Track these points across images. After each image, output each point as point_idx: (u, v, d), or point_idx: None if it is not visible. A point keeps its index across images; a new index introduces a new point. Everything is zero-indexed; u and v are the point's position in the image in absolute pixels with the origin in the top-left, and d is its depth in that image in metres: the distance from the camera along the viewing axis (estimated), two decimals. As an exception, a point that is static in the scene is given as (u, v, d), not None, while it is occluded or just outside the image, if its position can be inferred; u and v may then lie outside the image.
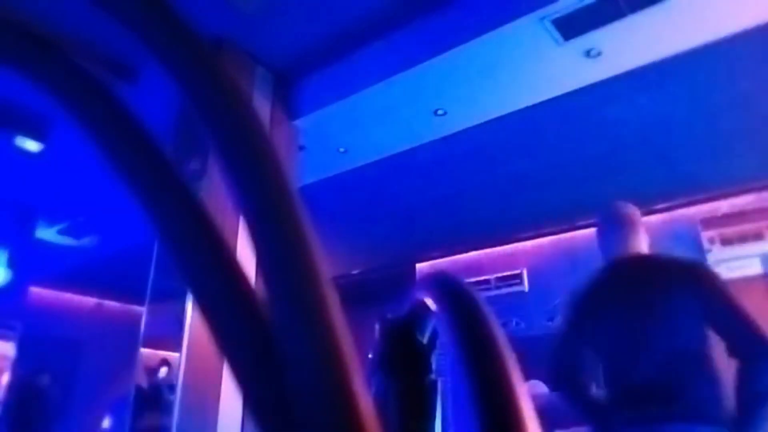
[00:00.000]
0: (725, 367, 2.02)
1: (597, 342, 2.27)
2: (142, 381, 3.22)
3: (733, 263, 4.88)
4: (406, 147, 4.11)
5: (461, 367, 0.29)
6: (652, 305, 2.11)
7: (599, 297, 2.33)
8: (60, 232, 6.02)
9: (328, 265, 0.23)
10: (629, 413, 2.05)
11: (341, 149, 4.15)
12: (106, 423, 6.99)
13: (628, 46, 3.06)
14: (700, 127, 4.08)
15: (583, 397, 2.24)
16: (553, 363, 2.35)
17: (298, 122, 3.75)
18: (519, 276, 6.08)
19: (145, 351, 3.20)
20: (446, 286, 0.37)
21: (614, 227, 2.41)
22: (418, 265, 6.76)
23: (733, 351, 1.94)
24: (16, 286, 5.69)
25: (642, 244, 2.33)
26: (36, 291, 7.55)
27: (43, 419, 6.80)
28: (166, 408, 2.83)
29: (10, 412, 6.35)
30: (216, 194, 2.76)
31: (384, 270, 6.86)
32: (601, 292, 2.35)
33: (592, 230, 6.16)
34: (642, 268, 2.28)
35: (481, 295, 0.34)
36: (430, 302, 0.40)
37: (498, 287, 6.11)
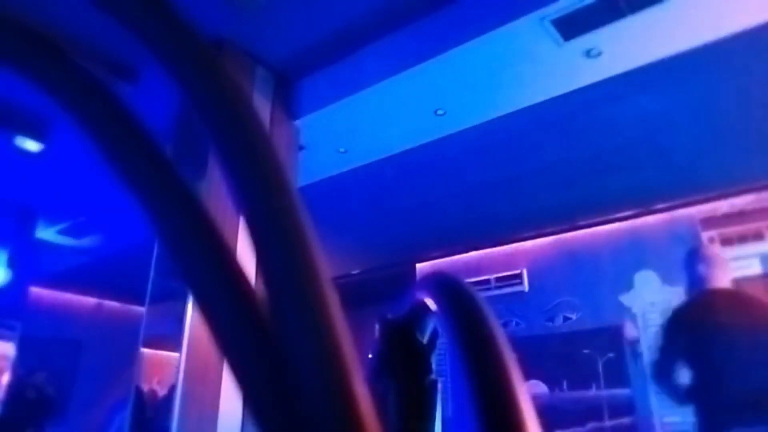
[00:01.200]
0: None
1: (696, 358, 2.63)
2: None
3: (733, 263, 4.88)
4: (406, 147, 4.11)
5: (461, 367, 0.29)
6: (748, 327, 2.53)
7: (699, 320, 2.70)
8: (60, 232, 6.01)
9: (328, 265, 0.23)
10: (734, 421, 2.39)
11: (341, 149, 4.15)
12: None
13: (628, 46, 3.06)
14: (700, 126, 4.08)
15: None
16: (654, 371, 2.77)
17: (298, 122, 3.74)
18: (519, 276, 6.09)
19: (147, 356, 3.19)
20: (446, 286, 0.37)
21: (710, 265, 2.81)
22: (418, 265, 6.77)
23: None
24: (16, 286, 5.68)
25: (727, 281, 2.78)
26: (36, 291, 7.55)
27: (43, 419, 6.79)
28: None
29: (9, 412, 6.34)
30: (216, 194, 2.77)
31: (384, 270, 6.86)
32: (701, 316, 2.70)
33: (592, 230, 6.16)
34: (736, 300, 2.71)
35: (481, 295, 0.34)
36: (430, 302, 0.40)
37: (498, 287, 6.11)
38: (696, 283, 2.81)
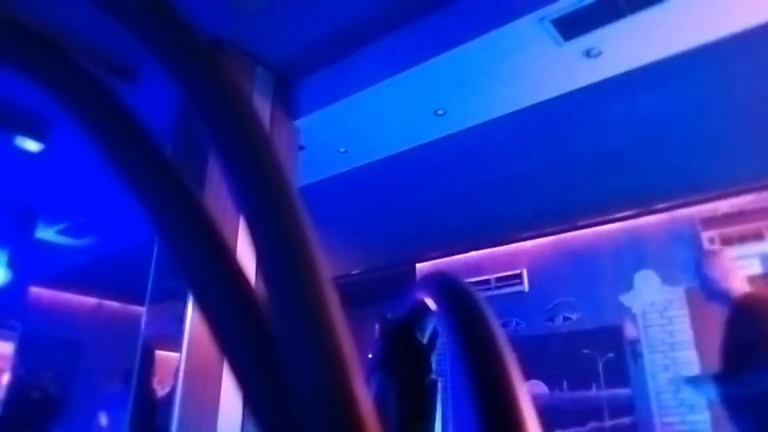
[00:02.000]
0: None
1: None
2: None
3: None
4: (406, 147, 4.10)
5: (461, 367, 0.29)
6: None
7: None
8: (60, 232, 6.01)
9: (328, 265, 0.23)
10: None
11: (341, 149, 4.15)
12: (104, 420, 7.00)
13: (628, 46, 3.06)
14: (699, 126, 4.08)
15: None
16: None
17: (298, 122, 3.74)
18: (519, 276, 6.08)
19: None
20: (446, 286, 0.37)
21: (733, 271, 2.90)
22: (418, 265, 6.76)
23: None
24: (16, 286, 5.68)
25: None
26: (36, 291, 7.55)
27: (43, 418, 6.80)
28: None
29: (9, 412, 6.35)
30: (216, 194, 2.77)
31: (384, 270, 6.86)
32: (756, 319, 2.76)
33: (592, 230, 6.16)
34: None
35: (481, 295, 0.34)
36: (430, 302, 0.40)
37: (498, 287, 6.11)
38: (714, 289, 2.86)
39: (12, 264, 5.46)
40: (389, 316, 0.52)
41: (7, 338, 6.43)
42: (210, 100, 0.26)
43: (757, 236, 4.85)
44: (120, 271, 6.55)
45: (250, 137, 0.25)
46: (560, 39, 3.00)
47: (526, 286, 6.05)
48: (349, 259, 6.82)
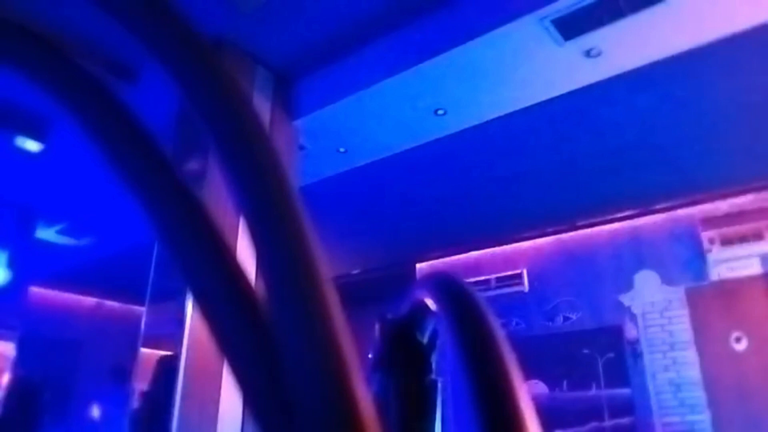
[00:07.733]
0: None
1: None
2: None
3: (733, 263, 4.89)
4: (406, 147, 4.11)
5: (462, 367, 0.29)
6: None
7: None
8: (59, 232, 6.01)
9: (328, 265, 0.23)
10: None
11: (341, 149, 4.15)
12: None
13: (628, 46, 3.06)
14: (699, 127, 4.08)
15: None
16: None
17: (298, 122, 3.74)
18: (519, 276, 6.09)
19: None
20: (446, 286, 0.37)
21: None
22: (418, 265, 6.77)
23: None
24: (16, 286, 5.68)
25: None
26: (36, 291, 7.55)
27: (42, 419, 6.79)
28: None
29: (9, 412, 6.34)
30: (216, 194, 2.77)
31: (384, 270, 6.86)
32: None
33: (592, 230, 6.18)
34: None
35: (481, 295, 0.34)
36: (430, 302, 0.40)
37: (498, 287, 6.11)
38: None
39: (12, 264, 5.45)
40: (389, 316, 0.52)
41: (7, 338, 6.42)
42: (210, 100, 0.26)
43: (757, 236, 4.86)
44: (120, 271, 6.55)
45: (250, 137, 0.25)
46: (560, 39, 3.00)
47: (526, 286, 6.05)
48: (349, 259, 6.82)
